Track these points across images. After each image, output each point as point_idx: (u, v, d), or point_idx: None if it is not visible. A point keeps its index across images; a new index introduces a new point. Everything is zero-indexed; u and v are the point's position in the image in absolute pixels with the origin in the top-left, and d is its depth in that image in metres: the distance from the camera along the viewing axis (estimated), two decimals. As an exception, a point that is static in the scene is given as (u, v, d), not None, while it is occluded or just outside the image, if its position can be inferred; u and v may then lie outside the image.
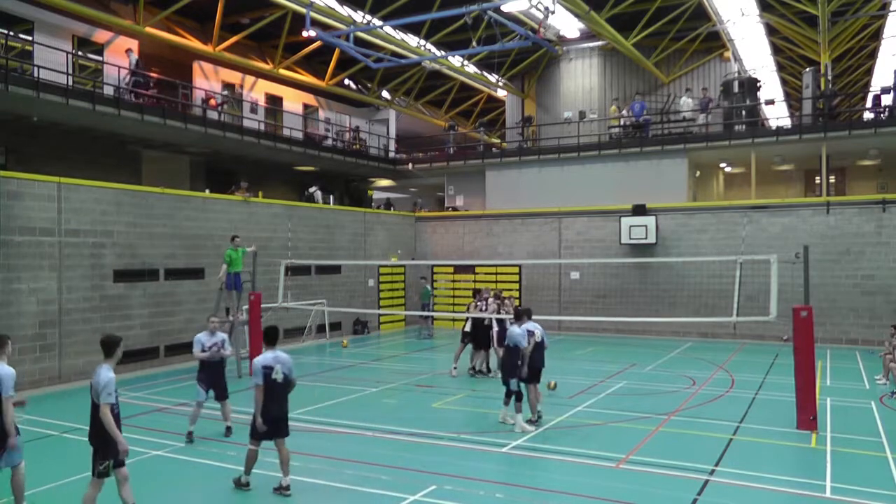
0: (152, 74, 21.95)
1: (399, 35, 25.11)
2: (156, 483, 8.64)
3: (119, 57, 20.95)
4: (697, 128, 25.21)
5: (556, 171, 26.34)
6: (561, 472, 8.88)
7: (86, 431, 11.12)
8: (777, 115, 33.75)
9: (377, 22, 22.88)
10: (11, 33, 18.50)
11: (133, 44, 21.66)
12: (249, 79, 26.29)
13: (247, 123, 24.08)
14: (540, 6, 14.69)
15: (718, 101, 25.60)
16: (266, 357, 8.20)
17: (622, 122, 26.32)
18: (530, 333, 11.10)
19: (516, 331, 11.13)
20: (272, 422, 8.13)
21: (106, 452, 6.85)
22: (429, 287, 24.37)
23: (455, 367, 16.03)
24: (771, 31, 27.26)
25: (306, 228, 22.54)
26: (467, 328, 16.08)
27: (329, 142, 28.21)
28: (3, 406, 7.03)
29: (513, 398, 11.03)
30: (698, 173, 26.65)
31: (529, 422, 11.19)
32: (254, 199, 20.82)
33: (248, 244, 16.73)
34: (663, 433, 10.92)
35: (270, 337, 8.38)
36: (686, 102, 25.87)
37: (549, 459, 9.48)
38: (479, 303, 15.81)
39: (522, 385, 11.06)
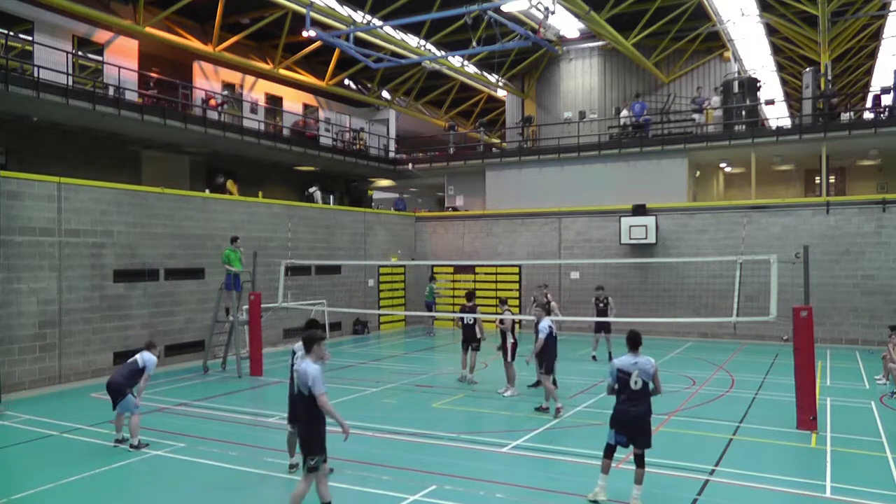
0: (152, 74, 21.97)
1: (399, 35, 25.11)
2: (156, 483, 8.65)
3: (119, 57, 20.97)
4: (697, 128, 25.21)
5: (556, 171, 26.34)
6: (561, 472, 8.88)
7: (85, 431, 11.15)
8: (777, 115, 33.75)
9: (377, 22, 22.88)
10: (11, 33, 18.49)
11: (132, 45, 21.67)
12: (249, 79, 26.28)
13: (247, 123, 24.08)
14: (540, 6, 14.68)
15: (719, 101, 25.57)
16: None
17: (622, 122, 26.32)
18: (624, 374, 8.18)
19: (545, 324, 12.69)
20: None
21: (315, 448, 6.87)
22: (433, 285, 24.79)
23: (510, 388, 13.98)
24: (771, 31, 27.27)
25: (306, 228, 22.54)
26: (512, 340, 13.94)
27: (329, 141, 28.20)
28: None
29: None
30: (698, 173, 26.65)
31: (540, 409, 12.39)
32: (241, 198, 20.81)
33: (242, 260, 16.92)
34: (663, 433, 10.90)
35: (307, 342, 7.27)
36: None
37: (550, 459, 9.47)
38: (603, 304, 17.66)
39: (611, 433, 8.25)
